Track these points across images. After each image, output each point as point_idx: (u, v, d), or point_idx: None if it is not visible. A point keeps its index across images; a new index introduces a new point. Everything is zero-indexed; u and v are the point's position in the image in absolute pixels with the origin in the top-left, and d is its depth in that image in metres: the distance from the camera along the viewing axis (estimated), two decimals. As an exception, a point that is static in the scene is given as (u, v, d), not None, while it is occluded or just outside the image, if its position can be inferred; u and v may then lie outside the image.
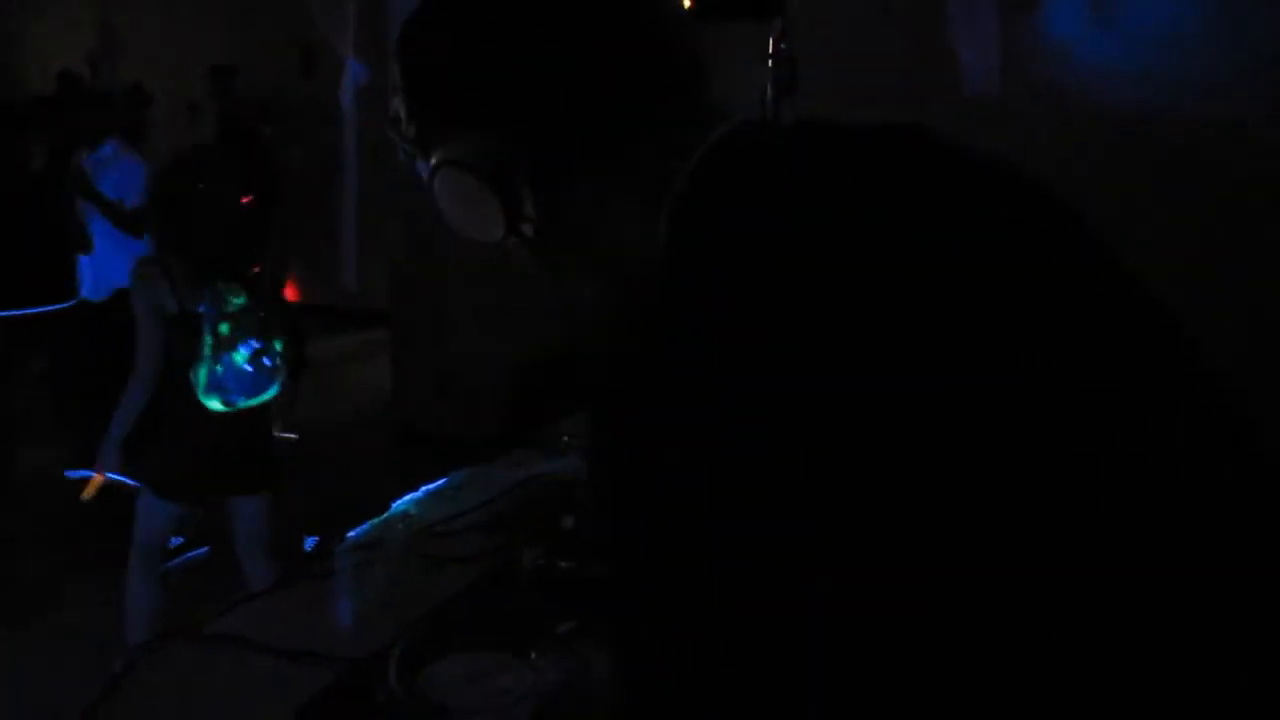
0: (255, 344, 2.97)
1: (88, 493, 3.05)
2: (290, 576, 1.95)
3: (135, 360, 2.99)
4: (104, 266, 4.76)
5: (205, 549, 4.30)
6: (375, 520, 2.08)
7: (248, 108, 7.82)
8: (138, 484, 3.10)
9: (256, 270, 3.07)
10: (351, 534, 2.02)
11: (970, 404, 0.69)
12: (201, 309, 2.91)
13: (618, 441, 0.74)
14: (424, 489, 2.21)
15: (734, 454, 0.67)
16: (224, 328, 2.92)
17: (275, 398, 3.11)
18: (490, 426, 4.99)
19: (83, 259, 4.77)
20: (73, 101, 5.45)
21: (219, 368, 2.94)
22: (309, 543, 4.22)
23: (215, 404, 2.98)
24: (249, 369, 2.96)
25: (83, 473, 3.08)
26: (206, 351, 2.92)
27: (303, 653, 1.54)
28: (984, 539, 0.68)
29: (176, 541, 4.47)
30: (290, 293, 5.17)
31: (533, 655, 1.48)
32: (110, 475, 3.04)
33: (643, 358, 0.74)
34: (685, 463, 0.69)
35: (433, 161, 0.89)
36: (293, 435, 3.41)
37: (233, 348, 2.94)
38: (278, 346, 3.04)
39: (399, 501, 2.17)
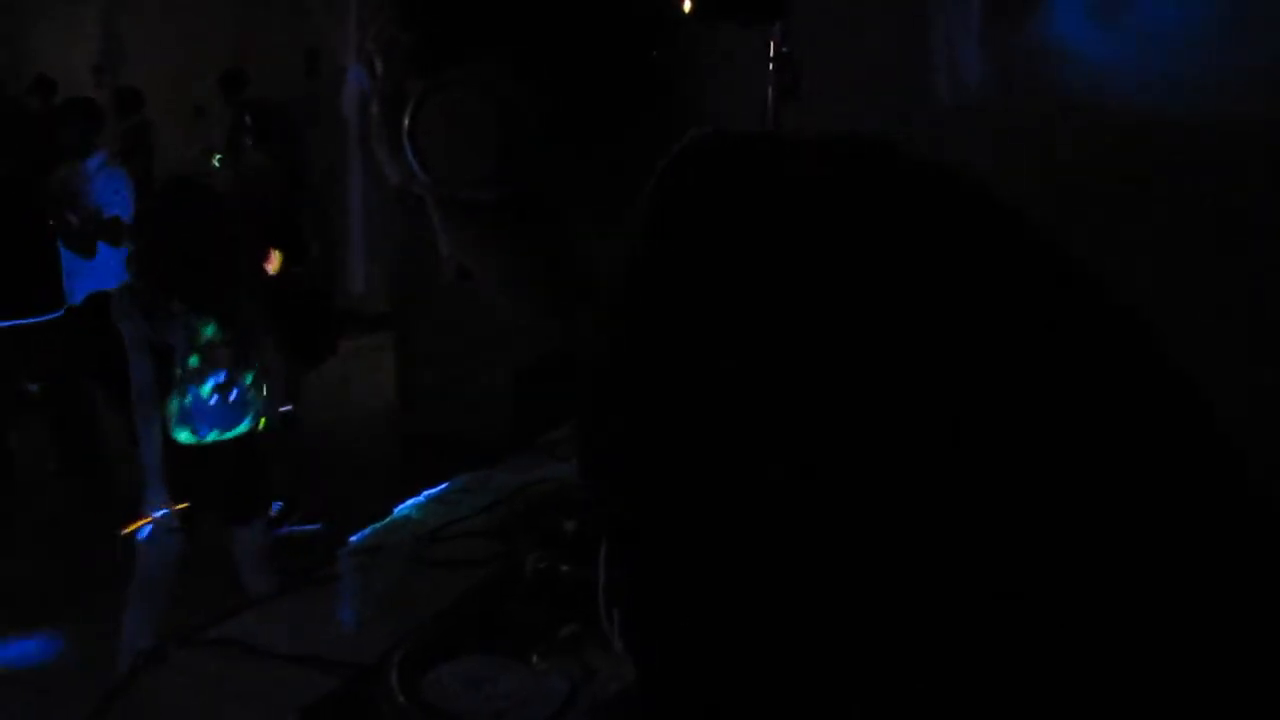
0: (222, 376, 2.98)
1: (131, 528, 3.03)
2: (292, 581, 1.95)
3: (131, 393, 2.97)
4: (77, 273, 4.79)
5: (319, 524, 4.33)
6: (378, 524, 2.08)
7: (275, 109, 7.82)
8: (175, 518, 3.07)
9: (235, 294, 3.08)
10: (354, 538, 2.02)
11: (931, 407, 0.69)
12: (173, 341, 2.92)
13: (588, 438, 0.77)
14: (426, 493, 2.21)
15: (692, 451, 0.68)
16: (193, 360, 2.94)
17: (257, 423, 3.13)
18: (494, 430, 4.99)
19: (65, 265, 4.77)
20: (54, 110, 5.45)
21: (187, 400, 2.96)
22: (275, 507, 4.18)
23: (185, 436, 2.99)
24: (213, 402, 2.97)
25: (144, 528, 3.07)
26: (180, 381, 2.94)
27: (305, 658, 1.55)
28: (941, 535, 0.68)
29: (277, 506, 4.46)
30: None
31: (535, 660, 1.48)
32: (159, 513, 3.01)
33: (607, 359, 0.75)
34: (649, 458, 0.70)
35: (437, 80, 0.83)
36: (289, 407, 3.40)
37: (200, 380, 2.96)
38: (248, 380, 3.04)
39: (401, 506, 2.17)
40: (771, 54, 3.87)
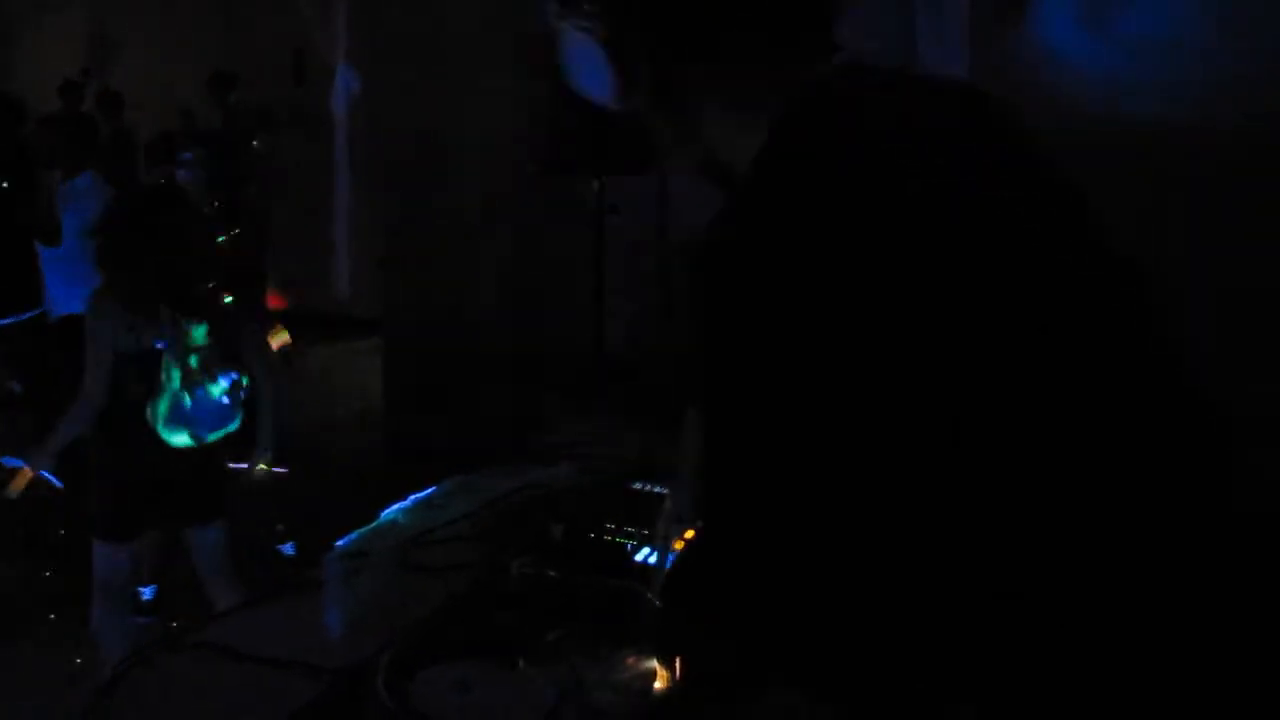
0: (234, 375, 2.98)
1: (15, 486, 3.03)
2: (278, 586, 1.94)
3: (83, 383, 2.96)
4: (58, 295, 4.76)
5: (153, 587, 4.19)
6: (363, 529, 2.07)
7: (244, 117, 7.83)
8: (61, 484, 3.11)
9: (220, 300, 3.08)
10: (340, 543, 2.01)
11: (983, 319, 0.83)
12: (160, 344, 2.91)
13: (704, 308, 0.91)
14: (412, 498, 2.21)
15: (789, 334, 0.84)
16: (194, 360, 2.92)
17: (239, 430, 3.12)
18: (481, 435, 4.98)
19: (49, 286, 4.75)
20: (57, 124, 5.42)
21: (188, 401, 2.93)
22: (288, 548, 4.18)
23: (181, 438, 2.96)
24: (225, 401, 2.97)
25: (13, 461, 3.06)
26: (174, 385, 2.91)
27: (291, 663, 1.54)
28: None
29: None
30: (273, 301, 5.19)
31: (520, 665, 1.48)
32: (42, 473, 3.04)
33: (730, 246, 0.91)
34: (749, 333, 0.86)
35: (566, 25, 1.05)
36: (281, 469, 3.38)
37: (209, 379, 2.94)
38: (245, 381, 3.04)
39: (387, 510, 2.16)
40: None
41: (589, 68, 1.05)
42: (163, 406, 2.92)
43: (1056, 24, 4.28)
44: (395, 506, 2.18)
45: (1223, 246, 4.06)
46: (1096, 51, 4.17)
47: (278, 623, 1.71)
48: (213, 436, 3.00)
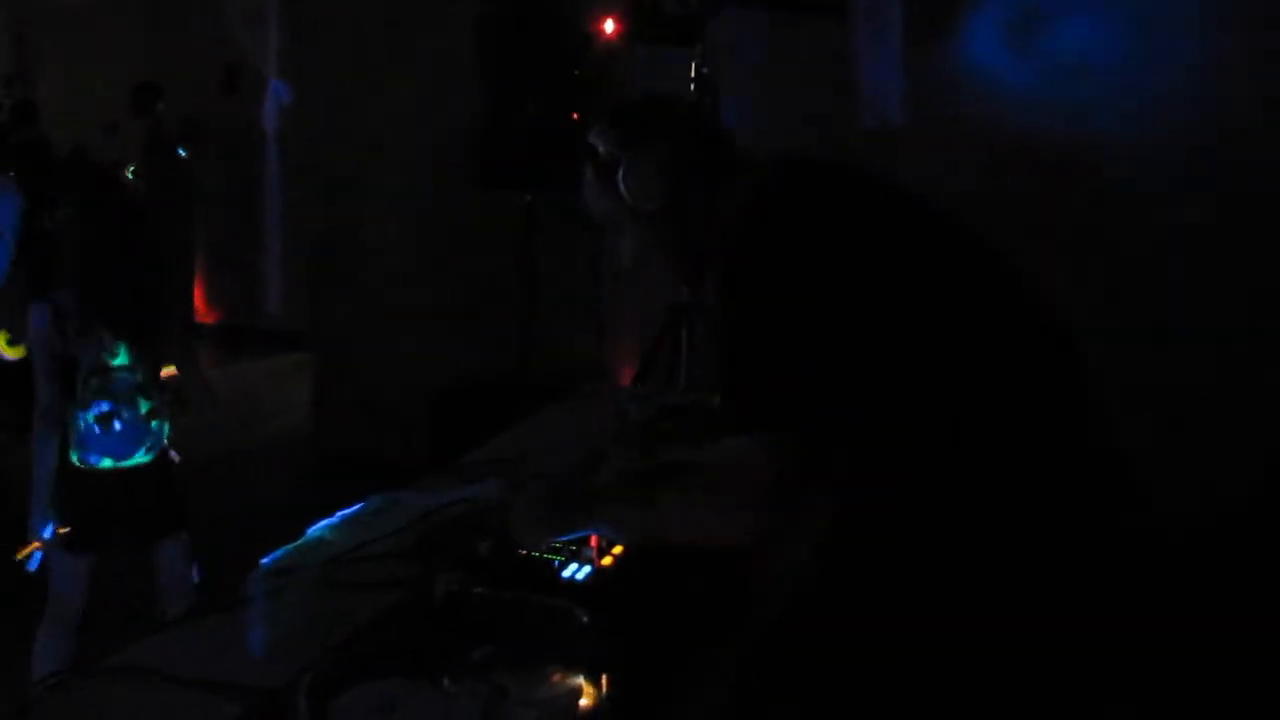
0: (105, 406, 2.90)
1: (24, 554, 2.98)
2: (201, 606, 1.92)
3: (37, 398, 2.91)
4: None
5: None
6: (289, 546, 2.05)
7: (168, 129, 7.73)
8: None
9: (159, 322, 3.02)
10: (265, 560, 1.98)
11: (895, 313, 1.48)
12: (80, 360, 2.87)
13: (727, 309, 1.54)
14: (339, 514, 2.19)
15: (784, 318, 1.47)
16: (93, 383, 2.88)
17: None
18: (409, 452, 4.94)
19: None
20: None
21: (79, 424, 2.90)
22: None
23: (75, 459, 2.93)
24: (96, 430, 2.91)
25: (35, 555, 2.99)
26: (79, 405, 2.88)
27: (212, 683, 1.52)
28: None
29: None
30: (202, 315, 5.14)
31: (446, 683, 1.47)
32: (44, 534, 2.98)
33: (733, 275, 1.54)
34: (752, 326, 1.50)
35: (631, 159, 1.67)
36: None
37: (85, 406, 2.90)
38: (142, 409, 2.96)
39: (314, 527, 2.14)
40: (693, 74, 4.11)
41: (642, 181, 1.66)
42: (72, 425, 2.89)
43: (984, 45, 4.36)
44: (322, 523, 2.16)
45: (1139, 262, 4.16)
46: (1017, 73, 4.25)
47: (200, 643, 1.68)
48: (103, 464, 2.94)
